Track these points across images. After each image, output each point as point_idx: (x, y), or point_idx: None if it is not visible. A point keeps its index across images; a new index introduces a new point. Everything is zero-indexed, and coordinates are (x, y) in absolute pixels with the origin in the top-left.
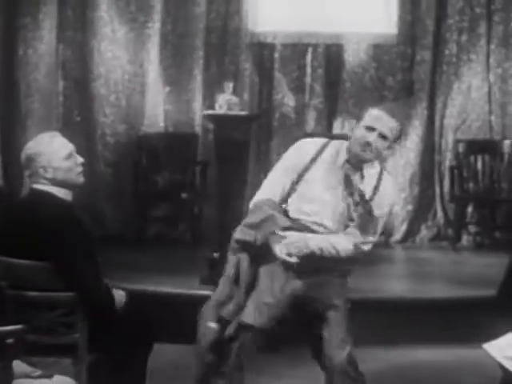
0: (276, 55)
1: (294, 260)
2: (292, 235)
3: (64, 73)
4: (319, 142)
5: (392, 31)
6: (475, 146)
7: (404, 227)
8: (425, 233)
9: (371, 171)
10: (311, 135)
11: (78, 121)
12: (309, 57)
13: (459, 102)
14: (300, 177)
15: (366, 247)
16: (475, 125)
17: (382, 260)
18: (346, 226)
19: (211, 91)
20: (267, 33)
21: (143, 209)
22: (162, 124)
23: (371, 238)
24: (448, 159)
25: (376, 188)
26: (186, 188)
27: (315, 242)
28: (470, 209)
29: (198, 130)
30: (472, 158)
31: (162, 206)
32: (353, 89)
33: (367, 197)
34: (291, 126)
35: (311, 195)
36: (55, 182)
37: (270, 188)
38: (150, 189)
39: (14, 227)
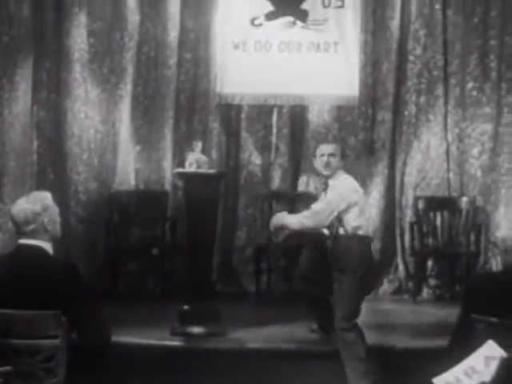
0: (243, 116)
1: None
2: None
3: (38, 132)
4: None
5: (354, 93)
6: (434, 203)
7: None
8: (386, 286)
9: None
10: (277, 193)
11: (52, 178)
12: (274, 117)
13: (418, 160)
14: None
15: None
16: (434, 182)
17: None
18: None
19: (181, 150)
20: (234, 94)
21: (115, 264)
22: (133, 182)
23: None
24: (408, 215)
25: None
26: (156, 243)
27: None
28: (429, 263)
29: (168, 187)
30: (431, 214)
31: (133, 261)
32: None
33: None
34: (257, 184)
35: None
36: (50, 236)
37: None
38: (122, 244)
39: (10, 280)
